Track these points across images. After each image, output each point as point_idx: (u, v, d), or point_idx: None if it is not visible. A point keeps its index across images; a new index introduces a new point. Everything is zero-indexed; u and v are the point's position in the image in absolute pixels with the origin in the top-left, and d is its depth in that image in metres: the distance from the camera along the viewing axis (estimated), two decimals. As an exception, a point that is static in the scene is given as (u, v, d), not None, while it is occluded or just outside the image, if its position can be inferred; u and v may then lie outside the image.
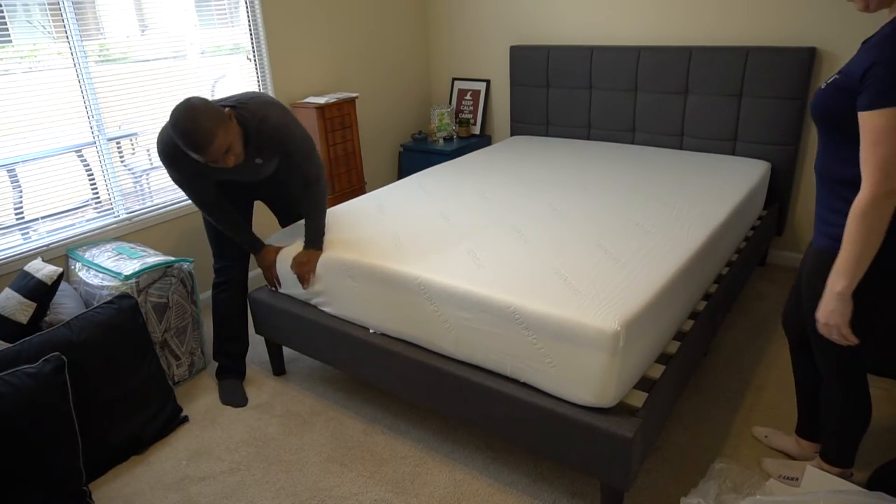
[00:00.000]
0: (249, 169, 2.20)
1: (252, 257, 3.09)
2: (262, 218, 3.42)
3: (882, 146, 1.28)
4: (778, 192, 3.15)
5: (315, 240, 2.26)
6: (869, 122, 1.30)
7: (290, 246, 2.36)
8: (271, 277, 2.40)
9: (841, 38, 2.88)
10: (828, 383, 1.70)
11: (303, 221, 2.41)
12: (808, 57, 2.87)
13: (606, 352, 1.59)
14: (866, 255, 1.37)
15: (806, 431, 1.96)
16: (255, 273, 3.39)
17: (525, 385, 1.80)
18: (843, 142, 1.43)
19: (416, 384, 2.04)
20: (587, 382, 1.64)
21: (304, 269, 2.25)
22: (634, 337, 1.64)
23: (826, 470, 1.79)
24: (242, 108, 2.06)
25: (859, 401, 1.68)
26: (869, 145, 1.30)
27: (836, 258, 1.43)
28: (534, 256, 2.02)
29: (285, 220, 2.62)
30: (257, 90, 2.14)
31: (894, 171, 1.28)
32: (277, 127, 2.10)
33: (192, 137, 1.85)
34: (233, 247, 2.43)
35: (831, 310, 1.44)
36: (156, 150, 2.08)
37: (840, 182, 1.48)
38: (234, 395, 2.48)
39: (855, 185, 1.40)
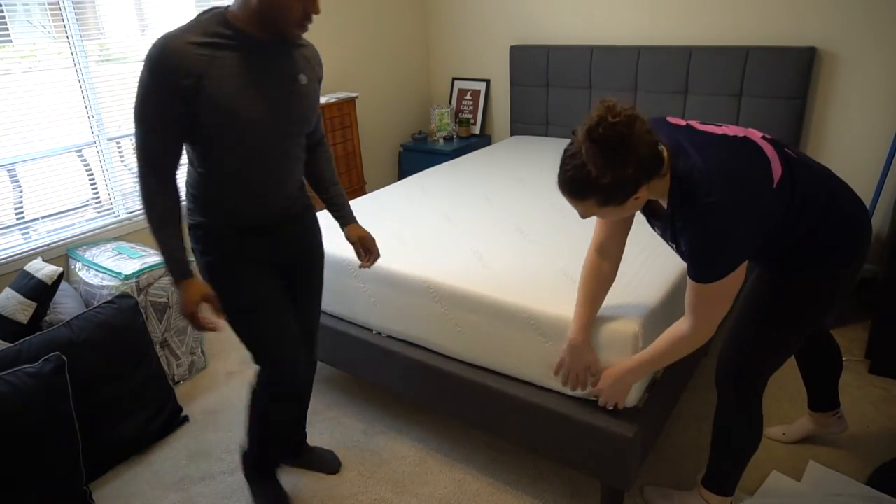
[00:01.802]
0: (287, 87, 1.53)
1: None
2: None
3: (703, 305, 1.39)
4: (778, 192, 3.15)
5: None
6: (692, 286, 1.38)
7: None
8: (196, 321, 1.53)
9: (841, 38, 2.88)
10: (724, 401, 1.66)
11: None
12: (808, 57, 2.87)
13: (626, 354, 1.59)
14: (662, 366, 1.56)
15: (818, 404, 1.99)
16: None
17: (525, 384, 1.80)
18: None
19: (416, 384, 2.04)
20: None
21: (373, 243, 1.86)
22: (651, 338, 1.63)
23: (706, 499, 1.73)
24: None
25: (755, 420, 1.64)
26: (692, 301, 1.40)
27: (808, 282, 1.47)
28: (539, 258, 2.02)
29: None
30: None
31: (708, 323, 1.42)
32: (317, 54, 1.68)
33: None
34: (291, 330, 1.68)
35: (622, 392, 1.59)
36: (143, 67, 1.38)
37: (775, 253, 1.48)
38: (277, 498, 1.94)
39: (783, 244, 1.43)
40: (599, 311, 1.65)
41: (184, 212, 1.53)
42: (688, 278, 1.38)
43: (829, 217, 1.41)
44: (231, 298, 1.57)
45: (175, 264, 1.50)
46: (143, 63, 1.37)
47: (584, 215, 1.36)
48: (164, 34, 1.37)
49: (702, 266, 1.33)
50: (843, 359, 2.51)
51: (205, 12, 1.45)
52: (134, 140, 1.45)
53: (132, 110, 1.42)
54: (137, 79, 1.39)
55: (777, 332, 1.54)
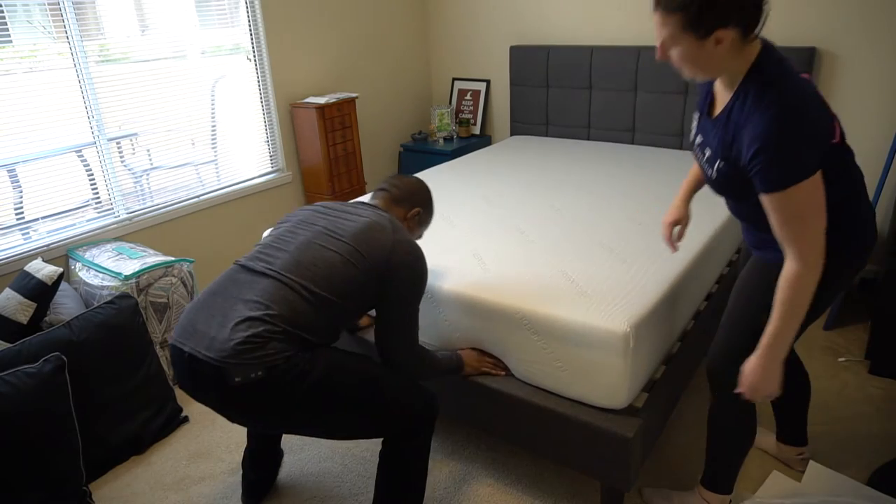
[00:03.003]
0: None
1: None
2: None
3: (793, 223, 1.27)
4: (778, 192, 3.15)
5: None
6: (772, 202, 1.28)
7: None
8: (491, 365, 1.87)
9: (841, 38, 2.88)
10: (717, 395, 1.65)
11: None
12: (808, 57, 2.87)
13: (617, 354, 1.59)
14: (797, 323, 1.37)
15: (786, 437, 1.96)
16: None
17: (525, 384, 1.80)
18: (756, 202, 1.41)
19: (417, 384, 2.04)
20: (599, 385, 1.64)
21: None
22: (643, 338, 1.64)
23: (706, 499, 1.74)
24: None
25: (748, 415, 1.63)
26: (781, 223, 1.29)
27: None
28: (539, 258, 2.02)
29: None
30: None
31: (812, 245, 1.28)
32: None
33: None
34: None
35: (773, 377, 1.42)
36: (423, 269, 1.64)
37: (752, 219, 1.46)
38: None
39: None
40: (592, 312, 1.66)
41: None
42: (763, 200, 1.29)
43: (849, 209, 1.38)
44: (361, 377, 1.54)
45: (454, 362, 1.80)
46: (420, 266, 1.61)
47: (663, 47, 1.30)
48: (415, 243, 1.63)
49: (772, 169, 1.24)
50: (843, 359, 2.52)
51: (390, 218, 1.65)
52: (412, 330, 1.64)
53: (411, 299, 1.60)
54: (419, 281, 1.61)
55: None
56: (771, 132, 1.22)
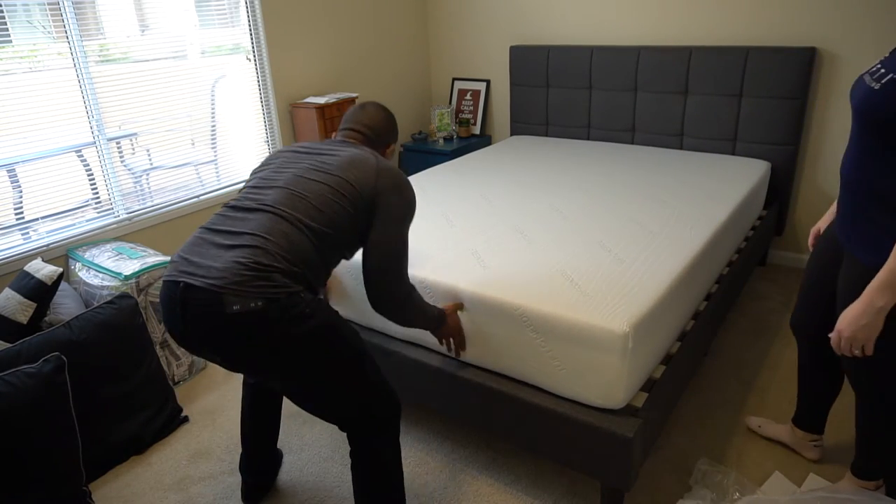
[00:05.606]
0: None
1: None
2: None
3: None
4: (778, 192, 3.15)
5: None
6: None
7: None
8: (461, 342, 1.88)
9: (841, 38, 2.88)
10: (868, 403, 1.59)
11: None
12: (808, 57, 2.87)
13: (615, 354, 1.59)
14: None
15: (803, 422, 1.96)
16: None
17: (526, 384, 1.80)
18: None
19: (415, 384, 2.04)
20: (596, 385, 1.64)
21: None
22: (642, 338, 1.64)
23: (864, 486, 1.72)
24: None
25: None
26: None
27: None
28: (538, 257, 2.02)
29: None
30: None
31: None
32: None
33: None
34: None
35: (864, 324, 1.34)
36: (411, 194, 1.64)
37: (883, 194, 1.37)
38: None
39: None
40: (591, 311, 1.66)
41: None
42: None
43: None
44: (352, 347, 1.53)
45: (437, 315, 1.73)
46: (408, 191, 1.61)
47: None
48: (398, 169, 1.63)
49: None
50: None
51: (371, 150, 1.66)
52: (402, 254, 1.59)
53: (400, 221, 1.58)
54: (408, 205, 1.60)
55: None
56: None
